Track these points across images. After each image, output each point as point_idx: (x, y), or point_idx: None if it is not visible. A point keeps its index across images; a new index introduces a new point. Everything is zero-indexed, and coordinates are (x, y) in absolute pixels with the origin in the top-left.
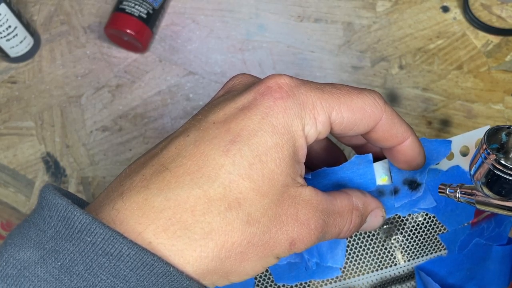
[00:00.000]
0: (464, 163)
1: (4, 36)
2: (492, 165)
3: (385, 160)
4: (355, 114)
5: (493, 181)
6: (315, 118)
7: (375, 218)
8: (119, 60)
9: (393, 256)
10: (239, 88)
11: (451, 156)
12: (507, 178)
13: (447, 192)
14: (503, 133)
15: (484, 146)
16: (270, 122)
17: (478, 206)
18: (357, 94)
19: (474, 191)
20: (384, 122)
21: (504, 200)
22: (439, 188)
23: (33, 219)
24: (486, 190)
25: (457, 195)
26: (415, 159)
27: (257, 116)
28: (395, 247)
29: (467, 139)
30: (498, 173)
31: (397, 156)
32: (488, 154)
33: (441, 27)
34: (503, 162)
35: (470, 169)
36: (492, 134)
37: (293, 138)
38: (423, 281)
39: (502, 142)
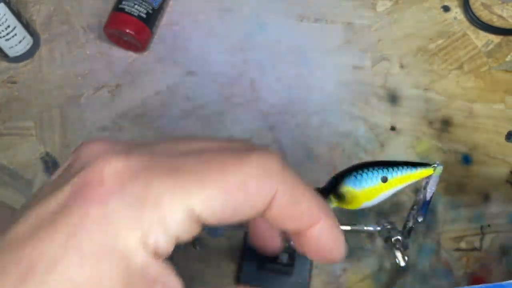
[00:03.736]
0: None
1: (4, 36)
2: None
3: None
4: (232, 196)
5: None
6: (164, 218)
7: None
8: (119, 60)
9: None
10: (76, 170)
11: None
12: None
13: None
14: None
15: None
16: (79, 244)
17: None
18: (234, 165)
19: None
20: (281, 197)
21: None
22: None
23: None
24: None
25: None
26: (329, 250)
27: (61, 235)
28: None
29: None
30: None
31: (305, 244)
32: None
33: (442, 27)
34: None
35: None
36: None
37: (123, 259)
38: None
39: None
